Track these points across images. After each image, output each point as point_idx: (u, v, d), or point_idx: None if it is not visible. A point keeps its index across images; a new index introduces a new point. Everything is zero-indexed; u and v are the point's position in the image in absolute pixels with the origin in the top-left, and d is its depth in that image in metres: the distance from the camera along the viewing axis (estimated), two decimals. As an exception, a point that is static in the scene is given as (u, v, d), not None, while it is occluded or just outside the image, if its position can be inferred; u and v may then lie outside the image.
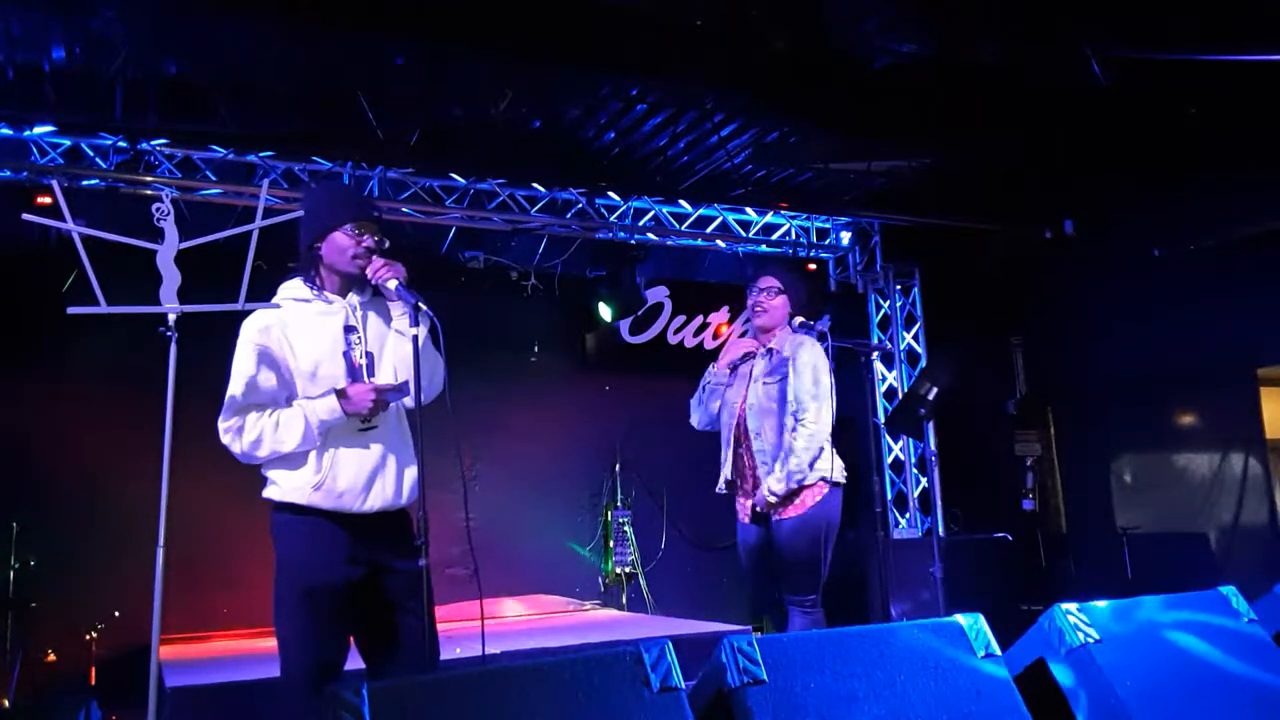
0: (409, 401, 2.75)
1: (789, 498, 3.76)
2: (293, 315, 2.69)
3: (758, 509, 3.85)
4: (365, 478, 2.65)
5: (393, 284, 2.67)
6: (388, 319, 2.80)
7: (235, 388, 2.60)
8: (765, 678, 1.97)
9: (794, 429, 3.78)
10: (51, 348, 5.60)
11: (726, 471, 3.98)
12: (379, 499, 2.66)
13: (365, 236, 2.72)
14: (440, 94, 5.73)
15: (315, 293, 2.73)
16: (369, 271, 2.70)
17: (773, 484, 3.76)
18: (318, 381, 2.64)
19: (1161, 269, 6.71)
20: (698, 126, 6.29)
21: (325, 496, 2.61)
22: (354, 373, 2.69)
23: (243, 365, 2.61)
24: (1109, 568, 6.73)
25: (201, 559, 5.40)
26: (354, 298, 2.77)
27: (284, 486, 2.62)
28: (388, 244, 2.79)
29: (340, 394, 2.61)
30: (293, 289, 2.75)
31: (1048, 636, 2.36)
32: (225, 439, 2.61)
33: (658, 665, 1.92)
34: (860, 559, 6.58)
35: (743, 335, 4.31)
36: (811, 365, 3.84)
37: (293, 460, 2.62)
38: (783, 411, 3.82)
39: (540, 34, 4.97)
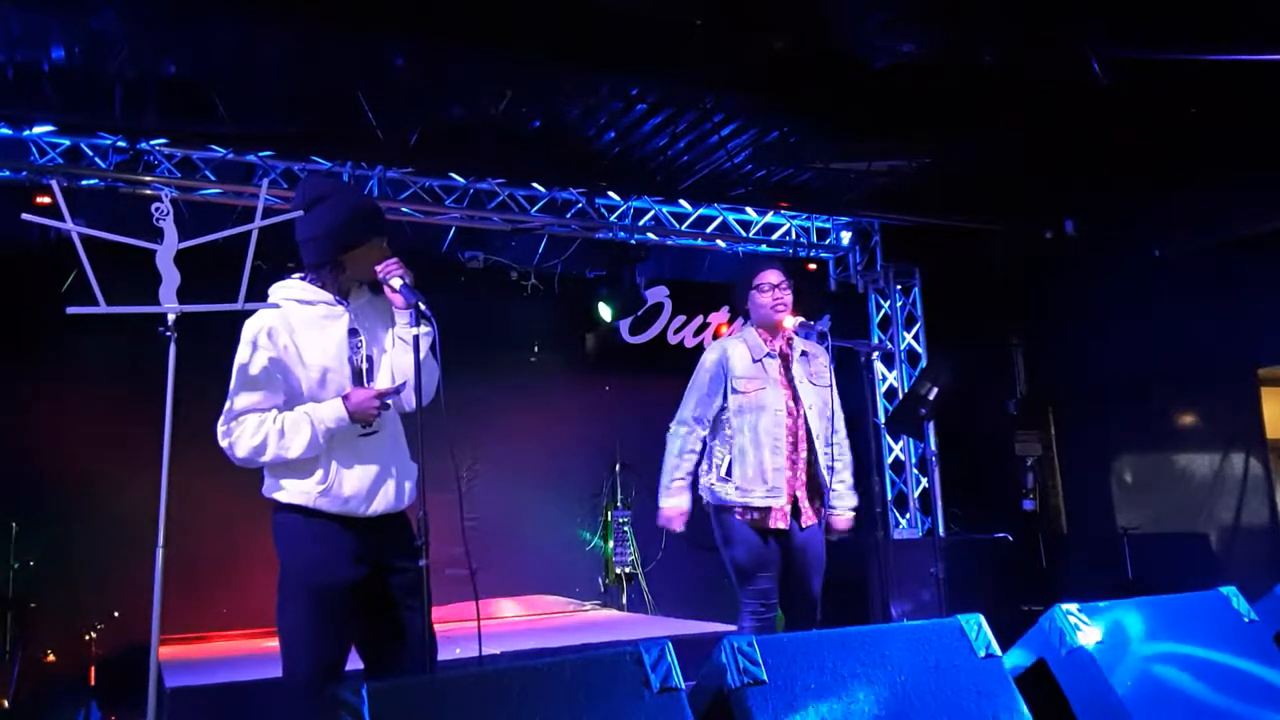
0: (407, 404, 2.75)
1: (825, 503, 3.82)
2: (298, 319, 2.66)
3: (803, 518, 3.75)
4: (369, 484, 2.65)
5: (397, 282, 2.66)
6: (385, 320, 2.80)
7: (237, 392, 2.58)
8: (765, 678, 1.97)
9: (842, 439, 3.87)
10: (51, 348, 5.60)
11: (763, 478, 3.72)
12: (383, 503, 2.67)
13: (388, 250, 2.75)
14: (440, 94, 5.73)
15: (330, 295, 2.72)
16: (378, 269, 2.69)
17: (845, 495, 3.84)
18: (327, 386, 2.64)
19: (1161, 269, 6.71)
20: (698, 126, 6.29)
21: (331, 502, 2.61)
22: (357, 376, 2.69)
23: (244, 369, 2.58)
24: (1109, 568, 6.73)
25: (201, 559, 5.39)
26: (355, 298, 2.77)
27: (290, 490, 2.62)
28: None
29: (345, 400, 2.61)
30: (293, 290, 2.72)
31: (1048, 636, 2.36)
32: (224, 442, 2.59)
33: (658, 665, 1.92)
34: (860, 559, 6.58)
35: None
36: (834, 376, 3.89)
37: (297, 468, 2.61)
38: (833, 415, 3.86)
39: (540, 34, 4.97)
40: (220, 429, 2.59)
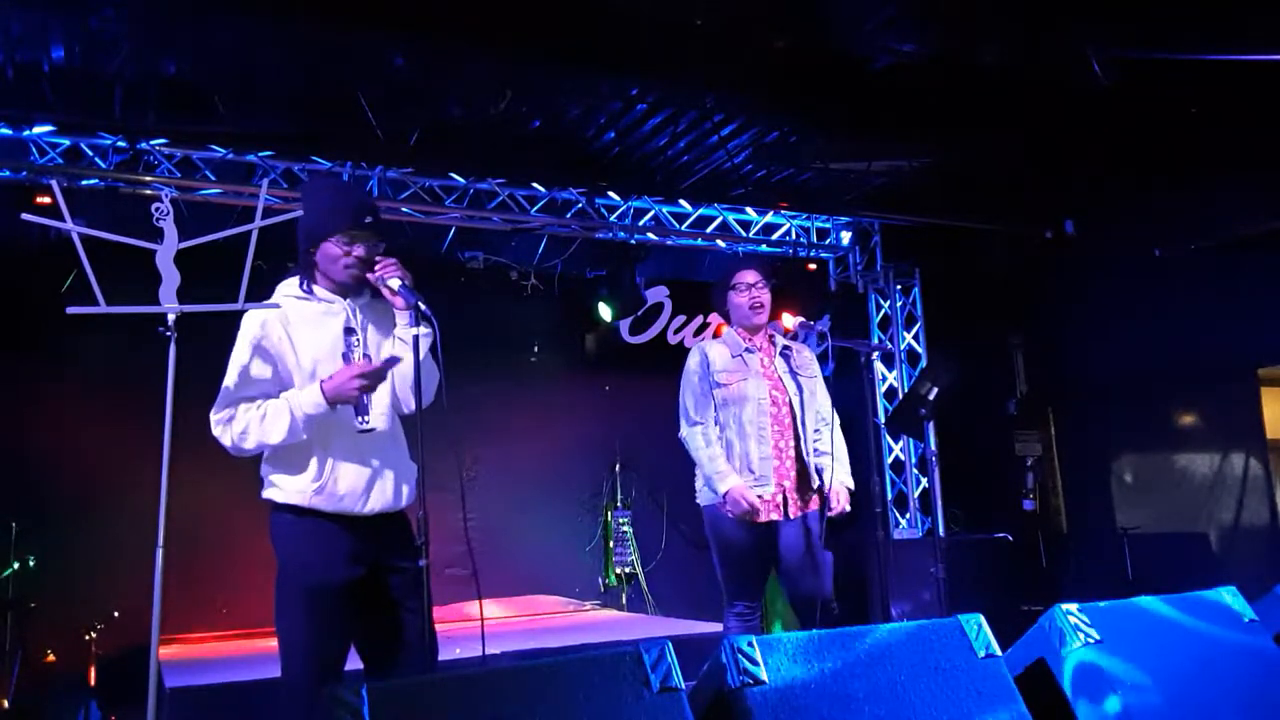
0: (406, 406, 2.76)
1: (814, 493, 3.78)
2: (295, 313, 2.68)
3: (792, 509, 3.73)
4: (365, 482, 2.65)
5: (395, 283, 2.65)
6: (387, 321, 2.79)
7: (229, 380, 2.60)
8: (765, 678, 1.97)
9: (831, 432, 3.85)
10: (51, 348, 5.60)
11: (749, 467, 3.72)
12: (379, 502, 2.67)
13: (356, 246, 2.69)
14: (440, 94, 5.73)
15: (327, 293, 2.73)
16: (376, 270, 2.68)
17: (847, 481, 3.83)
18: (317, 380, 2.64)
19: (1161, 269, 6.71)
20: (698, 126, 6.28)
21: (326, 500, 2.61)
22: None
23: (239, 358, 2.61)
24: (1109, 568, 6.74)
25: (201, 559, 5.40)
26: (357, 299, 2.77)
27: (286, 489, 2.62)
28: (383, 247, 2.76)
29: (322, 383, 2.60)
30: (291, 288, 2.75)
31: (1048, 636, 2.36)
32: (215, 430, 2.60)
33: (658, 665, 1.92)
34: (860, 559, 6.58)
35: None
36: (821, 376, 3.92)
37: (293, 465, 2.62)
38: (815, 409, 3.87)
39: (540, 34, 4.97)
40: (212, 418, 2.61)
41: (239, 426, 2.57)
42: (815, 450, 3.83)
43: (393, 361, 2.65)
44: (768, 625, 6.97)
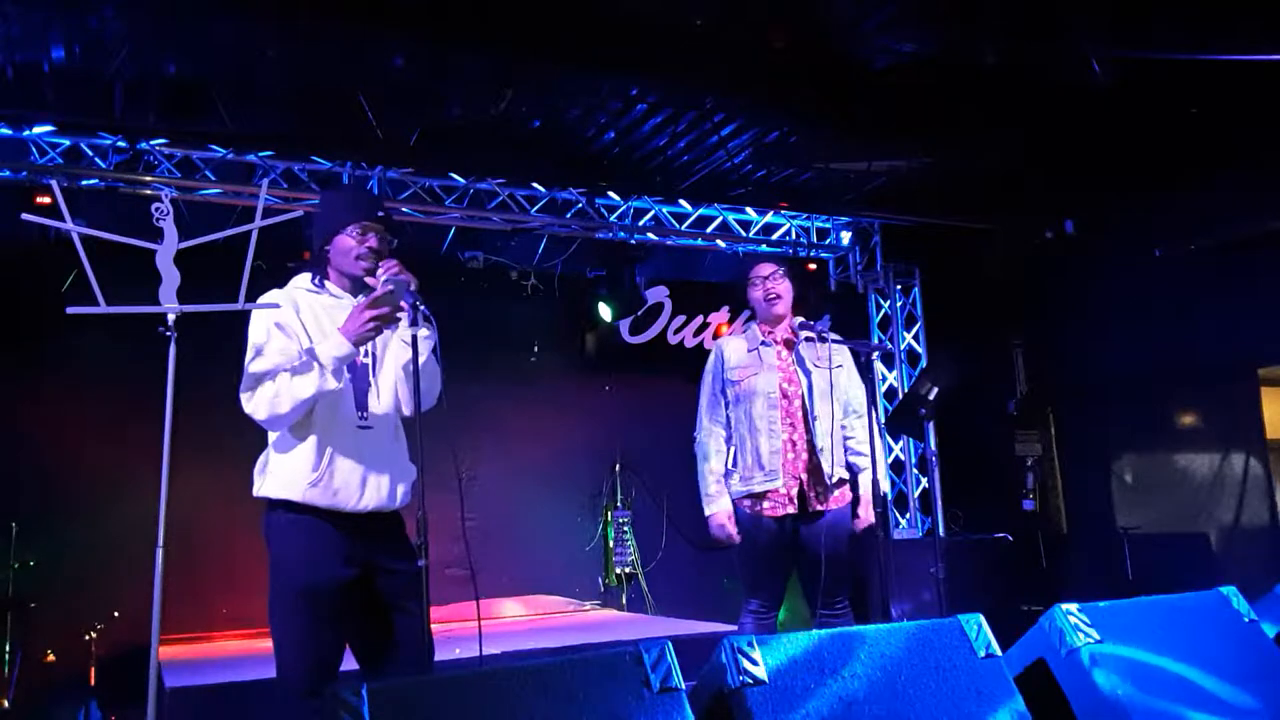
0: (406, 407, 2.77)
1: (834, 489, 3.73)
2: (304, 302, 2.72)
3: (809, 504, 3.69)
4: (360, 478, 2.65)
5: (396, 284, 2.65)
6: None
7: (251, 357, 2.60)
8: (765, 678, 1.97)
9: (854, 427, 3.83)
10: (51, 348, 5.60)
11: (760, 463, 3.70)
12: (373, 499, 2.66)
13: (369, 236, 2.73)
14: (440, 94, 5.73)
15: (319, 289, 2.75)
16: (381, 269, 2.69)
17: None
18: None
19: (1161, 269, 6.71)
20: (698, 126, 6.29)
21: (321, 494, 2.60)
22: (355, 369, 2.70)
23: (257, 335, 2.61)
24: (1109, 568, 6.73)
25: (201, 559, 5.40)
26: (363, 297, 2.77)
27: (282, 480, 2.61)
28: (395, 243, 2.79)
29: (340, 330, 2.60)
30: (304, 280, 2.79)
31: (1048, 636, 2.36)
32: (248, 409, 2.58)
33: (658, 665, 1.92)
34: (860, 559, 6.58)
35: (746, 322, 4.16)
36: (852, 367, 3.90)
37: (293, 456, 2.62)
38: (835, 400, 3.81)
39: (540, 33, 4.97)
40: (243, 398, 2.59)
41: (269, 393, 2.55)
42: (848, 449, 3.80)
43: (399, 283, 2.59)
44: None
